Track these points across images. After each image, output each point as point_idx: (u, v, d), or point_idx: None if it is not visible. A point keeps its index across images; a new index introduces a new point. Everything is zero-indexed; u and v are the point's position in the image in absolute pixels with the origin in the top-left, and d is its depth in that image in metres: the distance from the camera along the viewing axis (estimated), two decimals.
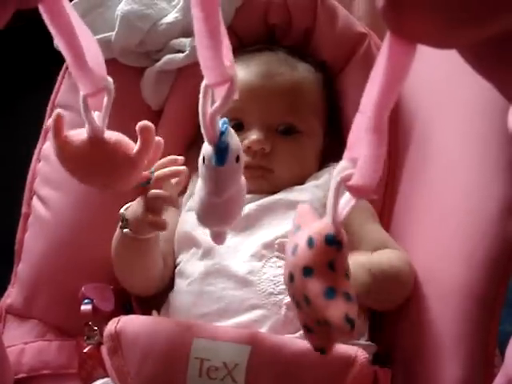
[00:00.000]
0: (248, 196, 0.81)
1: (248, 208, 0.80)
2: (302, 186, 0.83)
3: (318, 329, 0.50)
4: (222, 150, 0.49)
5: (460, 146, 0.74)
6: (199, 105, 0.47)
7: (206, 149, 0.51)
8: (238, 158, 0.51)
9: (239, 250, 0.77)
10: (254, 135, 0.82)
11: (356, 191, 0.44)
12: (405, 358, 0.73)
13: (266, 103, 0.84)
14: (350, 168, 0.45)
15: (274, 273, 0.74)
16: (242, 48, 0.92)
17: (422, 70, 0.71)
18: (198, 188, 0.56)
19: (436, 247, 0.73)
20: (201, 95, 0.47)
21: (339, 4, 0.95)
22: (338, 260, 0.47)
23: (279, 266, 0.74)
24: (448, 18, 0.35)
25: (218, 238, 0.61)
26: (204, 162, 0.52)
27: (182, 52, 0.90)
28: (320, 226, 0.48)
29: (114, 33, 0.90)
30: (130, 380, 0.67)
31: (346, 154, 0.46)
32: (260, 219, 0.80)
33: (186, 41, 0.90)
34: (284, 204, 0.80)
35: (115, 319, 0.70)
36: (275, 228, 0.78)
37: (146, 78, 0.93)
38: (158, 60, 0.92)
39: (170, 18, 0.91)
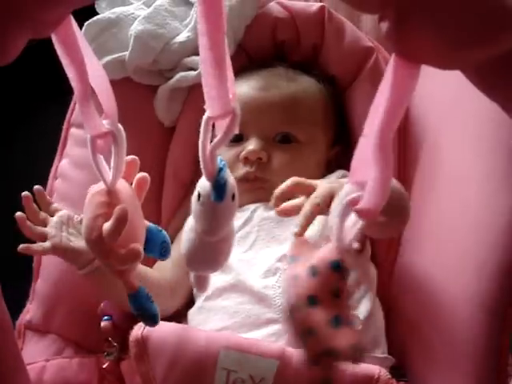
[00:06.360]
0: (254, 205, 0.83)
1: (258, 220, 0.81)
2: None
3: (323, 360, 0.49)
4: (220, 186, 0.48)
5: (469, 158, 0.74)
6: (199, 139, 0.46)
7: (204, 185, 0.49)
8: (233, 197, 0.50)
9: (254, 265, 0.78)
10: (250, 146, 0.84)
11: (365, 214, 0.45)
12: (416, 369, 0.73)
13: (262, 114, 0.85)
14: (356, 191, 0.45)
15: None
16: (251, 65, 0.94)
17: (432, 83, 0.72)
18: (187, 229, 0.54)
19: (447, 259, 0.73)
20: (202, 129, 0.45)
21: (347, 19, 0.96)
22: (342, 286, 0.47)
23: None
24: (453, 39, 0.36)
25: (202, 283, 0.58)
26: (199, 199, 0.50)
27: (194, 70, 0.92)
28: (324, 253, 0.48)
29: (127, 52, 0.92)
30: None
31: (351, 179, 0.46)
32: (271, 232, 0.81)
33: (197, 59, 0.91)
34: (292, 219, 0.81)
35: (140, 324, 0.69)
36: (287, 240, 0.78)
37: (159, 96, 0.95)
38: (170, 78, 0.94)
39: (183, 37, 0.92)
